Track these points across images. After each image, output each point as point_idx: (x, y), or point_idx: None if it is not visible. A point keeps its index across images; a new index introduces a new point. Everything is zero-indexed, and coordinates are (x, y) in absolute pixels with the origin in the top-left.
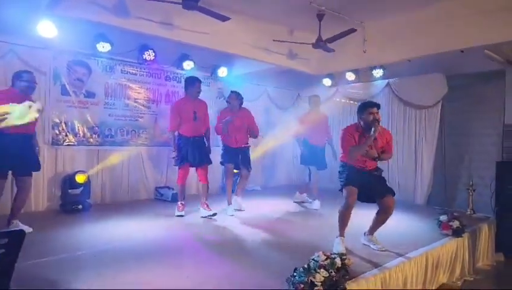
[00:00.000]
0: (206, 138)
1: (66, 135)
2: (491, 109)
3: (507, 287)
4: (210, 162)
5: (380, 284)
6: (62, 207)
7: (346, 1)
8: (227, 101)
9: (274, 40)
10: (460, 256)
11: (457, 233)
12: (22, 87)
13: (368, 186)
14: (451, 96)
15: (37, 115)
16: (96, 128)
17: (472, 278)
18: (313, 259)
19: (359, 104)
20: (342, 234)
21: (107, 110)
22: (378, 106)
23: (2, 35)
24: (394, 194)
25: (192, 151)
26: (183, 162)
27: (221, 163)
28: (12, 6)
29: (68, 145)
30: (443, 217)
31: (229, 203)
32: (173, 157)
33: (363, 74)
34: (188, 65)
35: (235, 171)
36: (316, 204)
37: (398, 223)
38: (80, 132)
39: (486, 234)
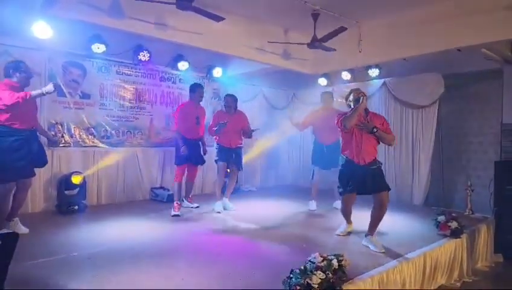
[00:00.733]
0: (202, 142)
1: (62, 136)
2: (488, 108)
3: (506, 289)
4: (204, 161)
5: (377, 285)
6: (58, 208)
7: (341, 0)
8: (225, 106)
9: (269, 42)
10: (459, 257)
11: (455, 234)
12: (22, 78)
13: (363, 180)
14: (448, 96)
15: None
16: (92, 129)
17: (471, 280)
18: (309, 261)
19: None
20: (348, 222)
21: (103, 111)
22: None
23: None
24: (389, 189)
25: (192, 152)
26: (186, 161)
27: (216, 161)
28: (6, 7)
29: (64, 146)
30: (441, 218)
31: (218, 200)
32: (182, 153)
33: (359, 74)
34: (182, 66)
35: (227, 170)
36: (312, 205)
37: (396, 223)
38: (76, 133)
39: (484, 234)
